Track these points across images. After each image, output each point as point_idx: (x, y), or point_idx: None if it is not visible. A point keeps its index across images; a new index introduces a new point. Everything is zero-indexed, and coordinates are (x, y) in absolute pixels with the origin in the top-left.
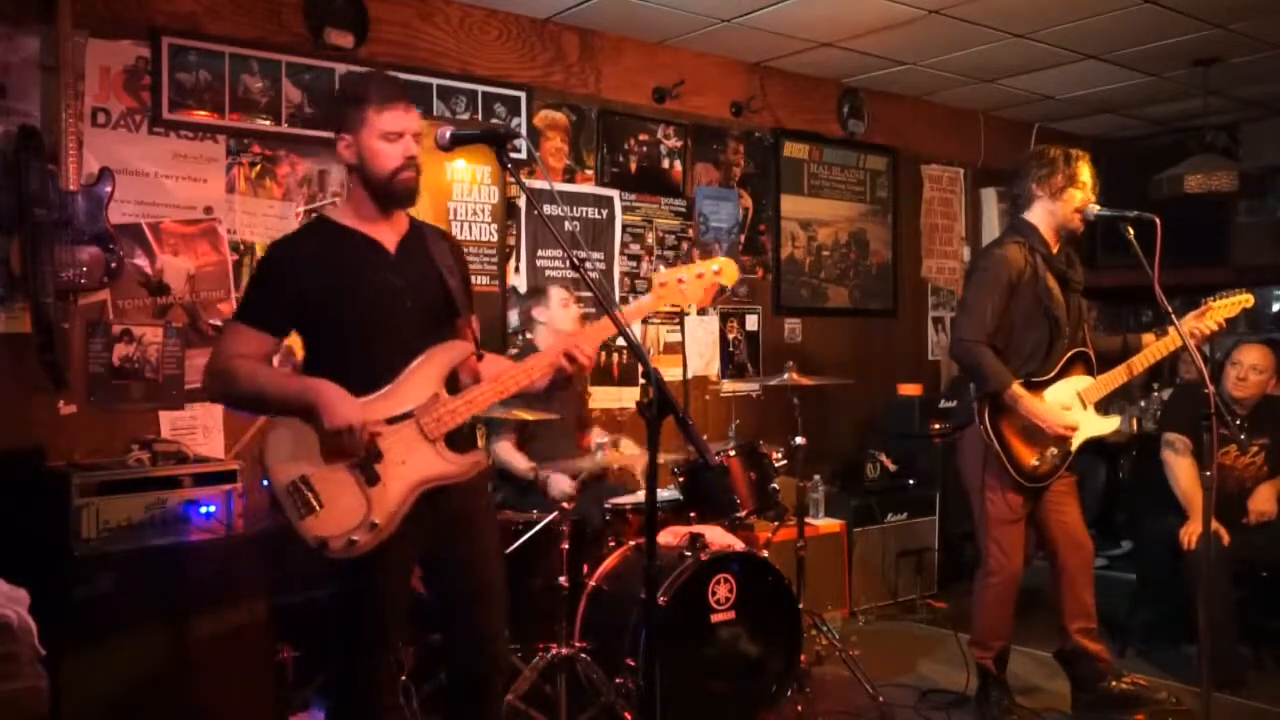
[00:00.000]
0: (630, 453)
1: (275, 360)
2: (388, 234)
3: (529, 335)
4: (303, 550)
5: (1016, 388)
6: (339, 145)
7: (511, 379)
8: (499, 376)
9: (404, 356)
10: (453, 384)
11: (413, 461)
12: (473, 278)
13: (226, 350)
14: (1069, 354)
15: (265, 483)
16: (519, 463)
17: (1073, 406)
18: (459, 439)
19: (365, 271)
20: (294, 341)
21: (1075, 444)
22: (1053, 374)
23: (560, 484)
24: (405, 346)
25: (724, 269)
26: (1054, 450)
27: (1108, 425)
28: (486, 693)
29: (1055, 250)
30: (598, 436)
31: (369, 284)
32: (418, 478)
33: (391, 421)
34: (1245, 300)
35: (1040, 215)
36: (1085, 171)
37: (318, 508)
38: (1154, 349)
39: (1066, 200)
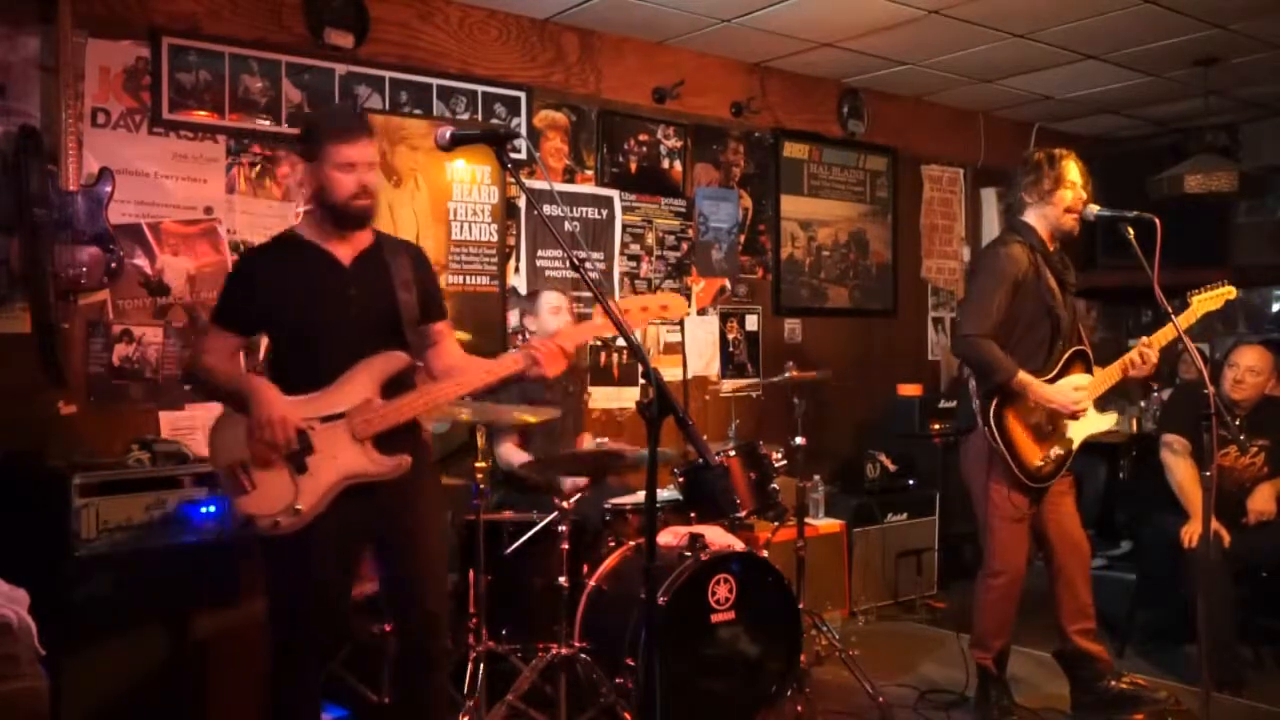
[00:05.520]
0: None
1: (242, 359)
2: (344, 249)
3: (528, 335)
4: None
5: (1023, 375)
6: (301, 171)
7: (441, 391)
8: (429, 387)
9: (348, 361)
10: (393, 389)
11: (342, 457)
12: (472, 278)
13: (200, 345)
14: (1069, 353)
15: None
16: (519, 460)
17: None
18: (391, 441)
19: (317, 283)
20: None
21: (1076, 442)
22: (1054, 373)
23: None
24: (350, 352)
25: (671, 305)
26: (1057, 450)
27: (1105, 422)
28: (431, 663)
29: (1052, 251)
30: (589, 441)
31: (319, 294)
32: (344, 472)
33: (325, 420)
34: (1228, 293)
35: (1034, 219)
36: (1073, 170)
37: (249, 489)
38: (1151, 339)
39: (1057, 202)
